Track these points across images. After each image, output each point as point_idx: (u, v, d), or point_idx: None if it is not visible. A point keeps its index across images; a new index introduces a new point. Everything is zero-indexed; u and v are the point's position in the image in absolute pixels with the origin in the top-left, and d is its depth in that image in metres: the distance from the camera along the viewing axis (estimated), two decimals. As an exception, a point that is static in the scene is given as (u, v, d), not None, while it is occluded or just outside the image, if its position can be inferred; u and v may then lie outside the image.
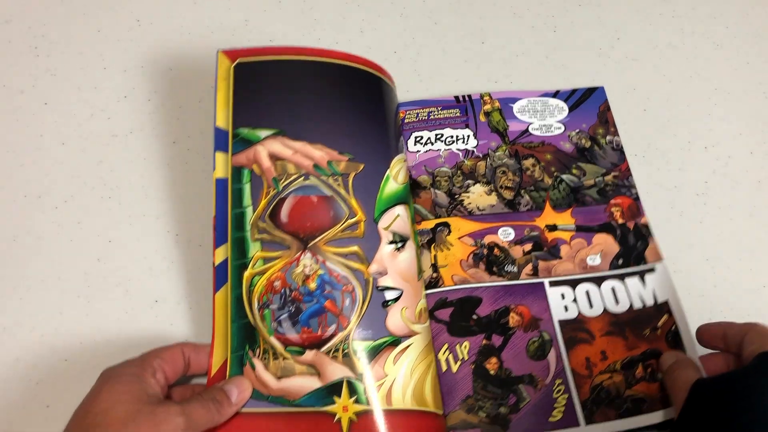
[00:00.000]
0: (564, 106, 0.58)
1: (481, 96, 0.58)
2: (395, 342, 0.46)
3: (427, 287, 0.50)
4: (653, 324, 0.49)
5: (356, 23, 0.62)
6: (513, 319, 0.49)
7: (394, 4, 0.64)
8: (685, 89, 0.61)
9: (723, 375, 0.40)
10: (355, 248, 0.47)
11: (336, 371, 0.44)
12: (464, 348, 0.48)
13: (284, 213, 0.48)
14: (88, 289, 0.50)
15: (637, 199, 0.53)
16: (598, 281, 0.51)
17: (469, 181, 0.55)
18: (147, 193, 0.54)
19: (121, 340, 0.48)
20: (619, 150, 0.56)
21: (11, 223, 0.52)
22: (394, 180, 0.50)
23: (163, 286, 0.50)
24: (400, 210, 0.50)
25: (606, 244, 0.52)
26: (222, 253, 0.47)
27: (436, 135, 0.56)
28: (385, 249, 0.48)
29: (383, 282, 0.47)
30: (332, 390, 0.44)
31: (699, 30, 0.64)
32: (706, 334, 0.46)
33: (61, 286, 0.50)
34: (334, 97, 0.51)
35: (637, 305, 0.50)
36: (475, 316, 0.49)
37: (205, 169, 0.55)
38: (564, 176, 0.55)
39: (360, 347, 0.45)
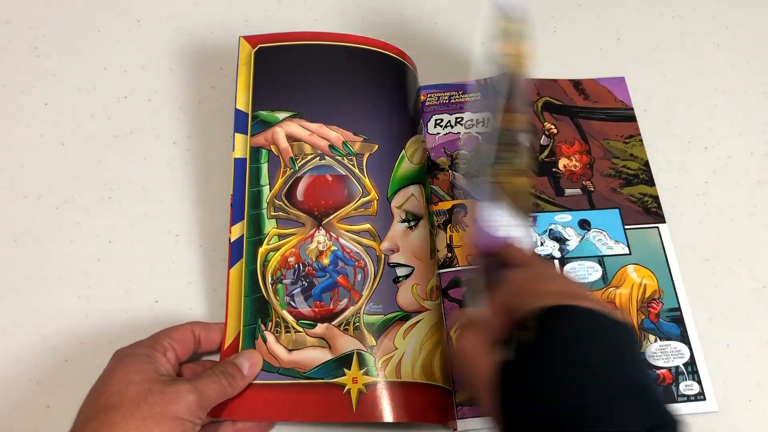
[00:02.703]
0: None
1: None
2: (405, 317, 0.47)
3: (442, 267, 0.51)
4: None
5: (356, 23, 0.62)
6: None
7: (394, 4, 0.64)
8: (685, 89, 0.61)
9: (518, 355, 0.35)
10: (367, 226, 0.49)
11: (346, 344, 0.45)
12: None
13: (300, 191, 0.50)
14: (88, 289, 0.50)
15: None
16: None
17: None
18: (147, 193, 0.54)
19: (121, 340, 0.48)
20: None
21: (11, 223, 0.52)
22: (408, 160, 0.52)
23: (163, 286, 0.50)
24: (414, 189, 0.51)
25: None
26: (238, 230, 0.48)
27: (456, 118, 0.57)
28: (398, 227, 0.49)
29: (395, 259, 0.48)
30: (342, 362, 0.45)
31: (699, 30, 0.64)
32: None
33: (61, 286, 0.50)
34: (350, 81, 0.53)
35: None
36: None
37: (206, 169, 0.55)
38: None
39: (370, 321, 0.46)
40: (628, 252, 0.52)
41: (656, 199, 0.55)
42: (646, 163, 0.56)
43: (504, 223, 0.44)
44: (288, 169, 0.50)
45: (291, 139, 0.51)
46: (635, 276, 0.52)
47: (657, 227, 0.54)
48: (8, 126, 0.56)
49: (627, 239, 0.53)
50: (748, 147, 0.58)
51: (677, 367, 0.49)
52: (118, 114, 0.57)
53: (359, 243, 0.48)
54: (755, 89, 0.61)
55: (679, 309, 0.50)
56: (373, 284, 0.47)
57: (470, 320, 0.40)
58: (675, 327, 0.50)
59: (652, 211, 0.54)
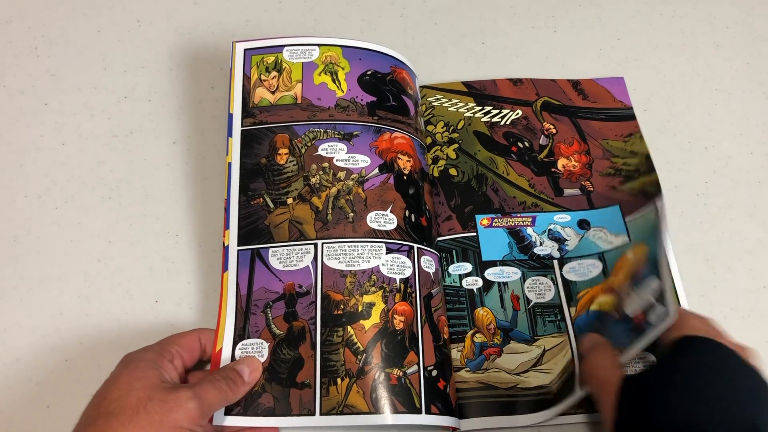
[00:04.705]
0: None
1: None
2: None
3: None
4: None
5: (356, 23, 0.62)
6: None
7: (394, 5, 0.64)
8: (685, 89, 0.61)
9: (647, 370, 0.41)
10: None
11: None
12: None
13: None
14: (88, 289, 0.50)
15: None
16: None
17: None
18: (147, 193, 0.54)
19: (121, 340, 0.48)
20: None
21: (11, 223, 0.52)
22: None
23: (163, 286, 0.50)
24: None
25: None
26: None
27: None
28: None
29: None
30: None
31: (699, 30, 0.64)
32: None
33: (61, 286, 0.50)
34: None
35: None
36: None
37: (205, 169, 0.55)
38: None
39: None
40: (628, 240, 0.52)
41: (656, 182, 0.54)
42: (647, 156, 0.56)
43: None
44: None
45: None
46: (631, 255, 0.51)
47: (655, 205, 0.52)
48: (8, 126, 0.56)
49: (628, 230, 0.53)
50: (748, 147, 0.58)
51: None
52: (118, 114, 0.57)
53: None
54: (755, 89, 0.61)
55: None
56: None
57: (601, 341, 0.45)
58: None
59: (651, 195, 0.53)
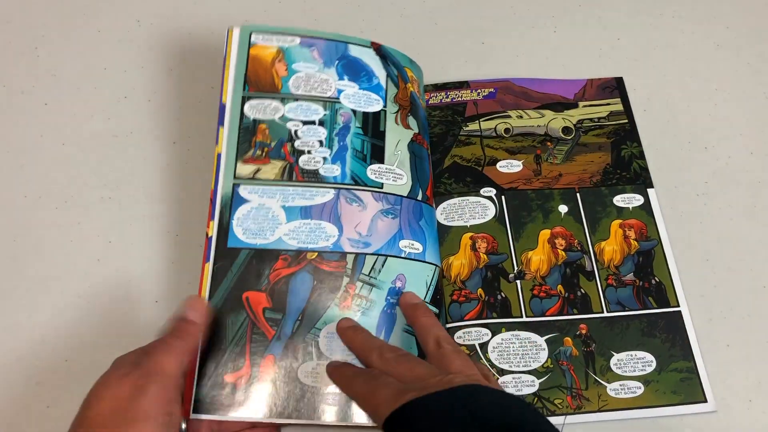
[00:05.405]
0: None
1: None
2: None
3: None
4: None
5: (356, 23, 0.62)
6: None
7: (394, 4, 0.64)
8: (685, 89, 0.61)
9: None
10: None
11: None
12: None
13: None
14: (88, 289, 0.50)
15: None
16: None
17: None
18: (147, 193, 0.54)
19: (121, 340, 0.48)
20: None
21: (11, 223, 0.52)
22: None
23: (163, 286, 0.50)
24: None
25: None
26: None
27: None
28: None
29: None
30: None
31: (699, 30, 0.64)
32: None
33: (61, 286, 0.50)
34: None
35: None
36: None
37: (206, 169, 0.55)
38: None
39: None
40: None
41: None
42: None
43: None
44: None
45: None
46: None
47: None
48: (8, 126, 0.56)
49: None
50: (748, 147, 0.58)
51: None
52: (118, 114, 0.57)
53: None
54: (755, 89, 0.61)
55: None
56: None
57: None
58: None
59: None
